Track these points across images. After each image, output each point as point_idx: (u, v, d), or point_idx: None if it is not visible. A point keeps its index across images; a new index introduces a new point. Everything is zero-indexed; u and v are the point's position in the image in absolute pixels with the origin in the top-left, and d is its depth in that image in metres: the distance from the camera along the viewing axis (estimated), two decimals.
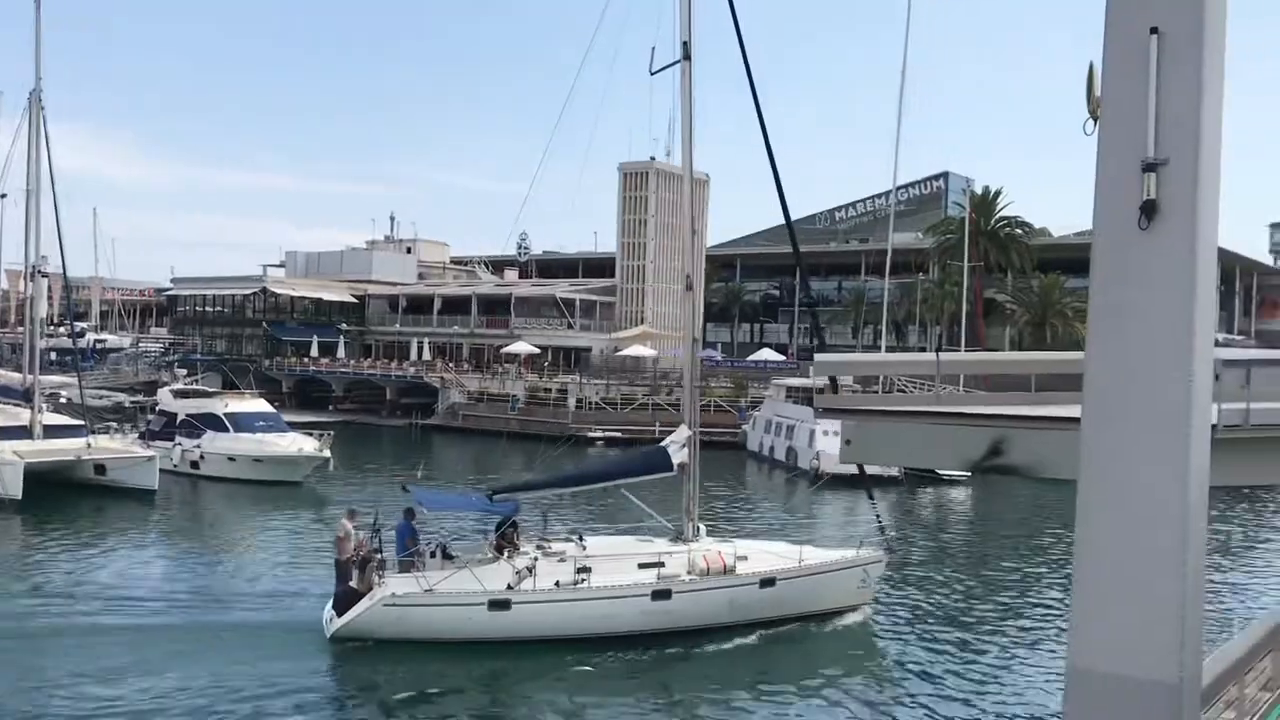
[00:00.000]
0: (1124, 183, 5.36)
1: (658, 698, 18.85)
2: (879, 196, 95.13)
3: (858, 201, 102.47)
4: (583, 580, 20.95)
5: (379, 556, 21.09)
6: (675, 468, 24.08)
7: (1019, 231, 77.95)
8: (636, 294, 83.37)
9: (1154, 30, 5.26)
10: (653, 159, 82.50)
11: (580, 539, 23.16)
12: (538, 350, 76.19)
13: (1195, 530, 5.39)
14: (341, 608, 20.53)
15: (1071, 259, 77.32)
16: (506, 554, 21.41)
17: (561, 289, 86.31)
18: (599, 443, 61.03)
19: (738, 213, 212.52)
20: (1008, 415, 19.61)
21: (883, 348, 70.36)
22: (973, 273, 71.17)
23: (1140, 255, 5.34)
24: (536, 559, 21.24)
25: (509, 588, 20.45)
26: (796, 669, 20.39)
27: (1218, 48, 5.31)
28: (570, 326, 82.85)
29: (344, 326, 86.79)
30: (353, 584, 20.84)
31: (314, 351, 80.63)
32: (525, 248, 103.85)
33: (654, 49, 25.19)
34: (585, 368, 74.37)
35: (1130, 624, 5.32)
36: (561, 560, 21.50)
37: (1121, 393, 5.41)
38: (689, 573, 21.84)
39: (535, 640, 20.39)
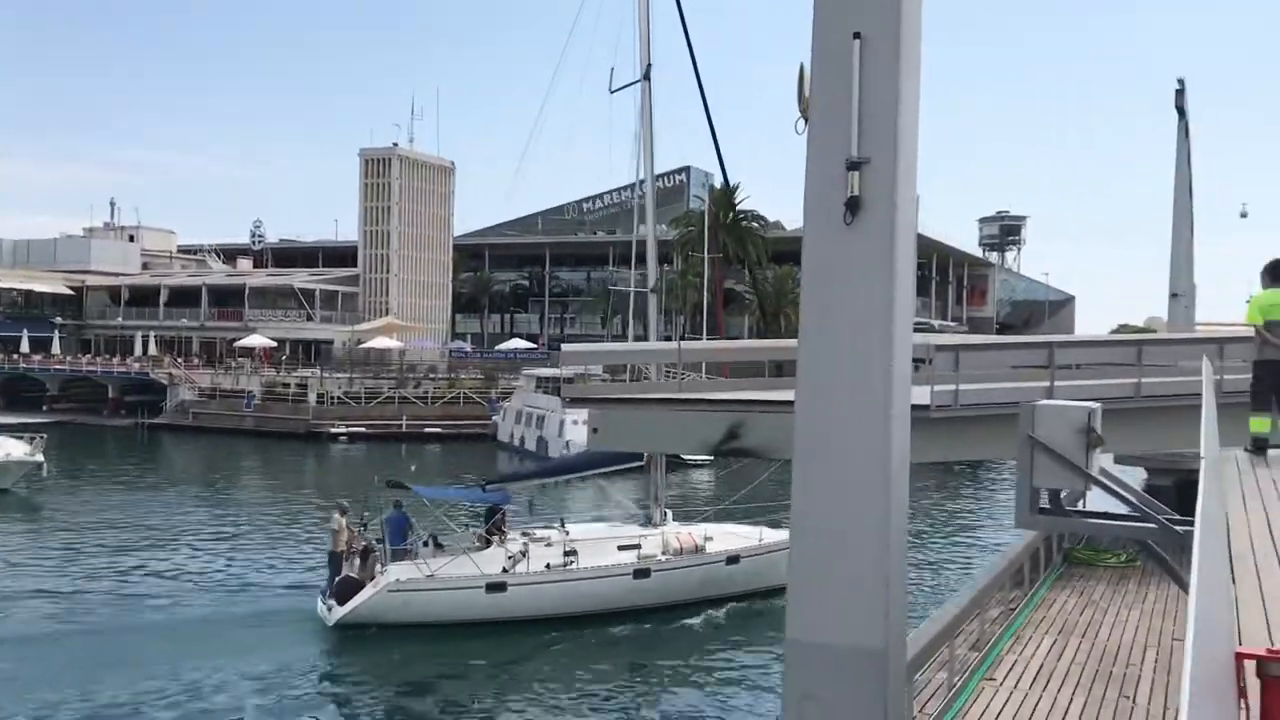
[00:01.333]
0: (830, 180, 5.66)
1: (643, 665, 20.69)
2: (625, 189, 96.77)
3: (606, 193, 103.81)
4: (571, 563, 22.66)
5: (380, 547, 22.22)
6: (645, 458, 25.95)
7: (755, 225, 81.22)
8: (381, 284, 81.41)
9: (856, 35, 5.57)
10: (395, 145, 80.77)
11: (563, 525, 24.81)
12: (274, 343, 73.12)
13: (897, 507, 5.77)
14: (343, 597, 21.29)
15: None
16: (497, 540, 22.93)
17: (300, 279, 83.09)
18: (342, 439, 59.26)
19: (486, 200, 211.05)
20: (743, 400, 20.47)
21: (630, 337, 71.64)
22: (713, 264, 73.61)
23: (845, 249, 5.66)
24: (528, 544, 22.75)
25: (504, 571, 22.01)
26: (762, 636, 21.76)
27: (914, 53, 5.67)
28: (310, 318, 79.93)
29: (59, 320, 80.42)
30: (352, 574, 21.75)
31: (24, 347, 74.31)
32: (260, 235, 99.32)
33: (613, 69, 26.53)
34: (327, 361, 71.97)
35: (839, 596, 5.64)
36: (549, 545, 23.10)
37: (830, 378, 5.72)
38: (664, 553, 23.72)
39: (529, 619, 21.75)
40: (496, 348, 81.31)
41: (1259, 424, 11.93)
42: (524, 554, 22.39)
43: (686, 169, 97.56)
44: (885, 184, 5.60)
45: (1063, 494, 8.31)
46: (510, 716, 17.98)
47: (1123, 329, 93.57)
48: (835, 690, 5.56)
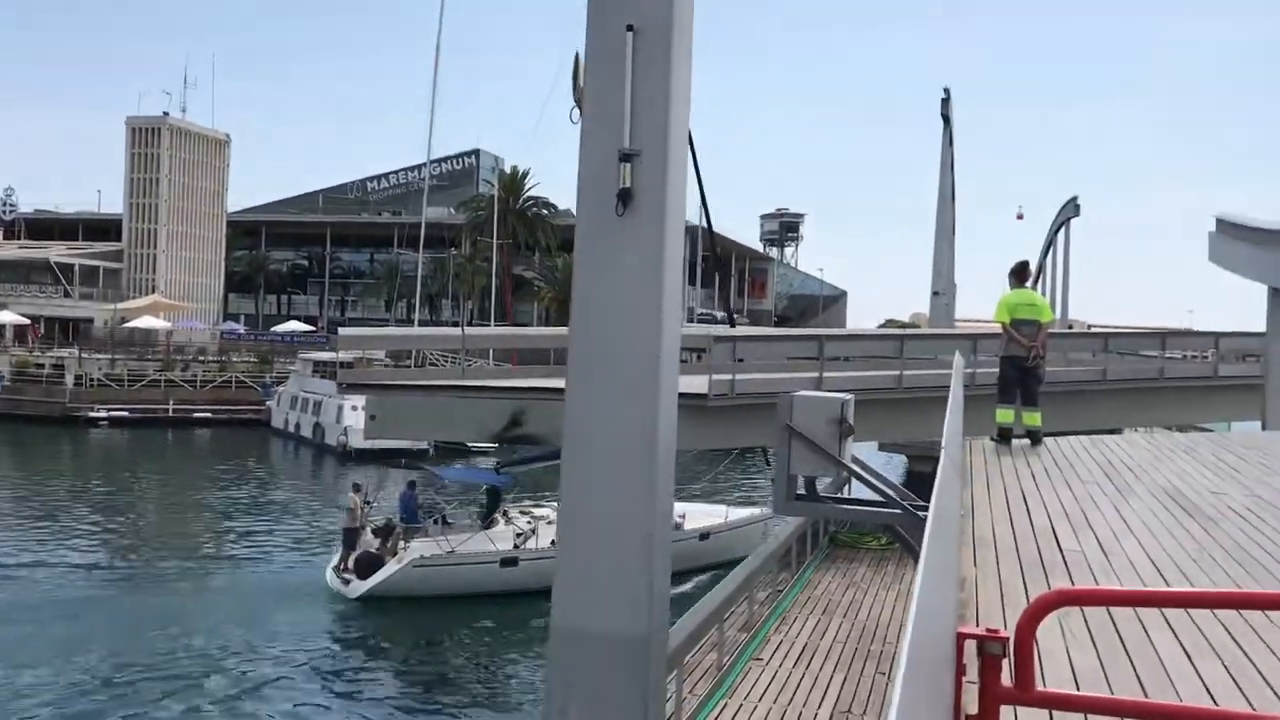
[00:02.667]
0: (603, 171, 5.67)
1: None
2: (413, 169, 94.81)
3: (391, 173, 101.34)
4: None
5: (400, 525, 24.08)
6: None
7: (545, 211, 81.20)
8: (147, 260, 76.86)
9: (630, 28, 5.60)
10: (165, 115, 76.47)
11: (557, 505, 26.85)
12: (28, 321, 67.93)
13: (662, 496, 5.86)
14: (364, 571, 22.85)
15: None
16: (503, 519, 25.01)
17: (57, 252, 77.49)
18: (102, 423, 55.70)
19: (264, 176, 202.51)
20: (526, 388, 20.44)
21: (416, 322, 70.59)
22: (502, 250, 73.20)
23: (616, 240, 5.69)
24: (535, 523, 24.80)
25: (515, 548, 24.13)
26: None
27: (686, 47, 5.74)
28: (68, 295, 74.66)
29: None
30: (371, 550, 23.43)
31: None
32: (11, 204, 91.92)
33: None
34: (86, 340, 67.39)
35: (603, 584, 5.68)
36: (549, 523, 24.46)
37: (599, 368, 5.74)
38: None
39: (537, 591, 23.28)
40: (272, 329, 78.24)
41: (1004, 415, 12.82)
42: (533, 531, 24.46)
43: (475, 152, 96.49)
44: (656, 177, 5.67)
45: (828, 481, 8.69)
46: (527, 673, 19.76)
47: (889, 324, 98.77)
48: (597, 678, 5.60)
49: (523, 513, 25.98)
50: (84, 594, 23.19)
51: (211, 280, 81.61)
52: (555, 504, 27.01)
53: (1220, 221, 22.11)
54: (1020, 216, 61.11)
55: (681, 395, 19.87)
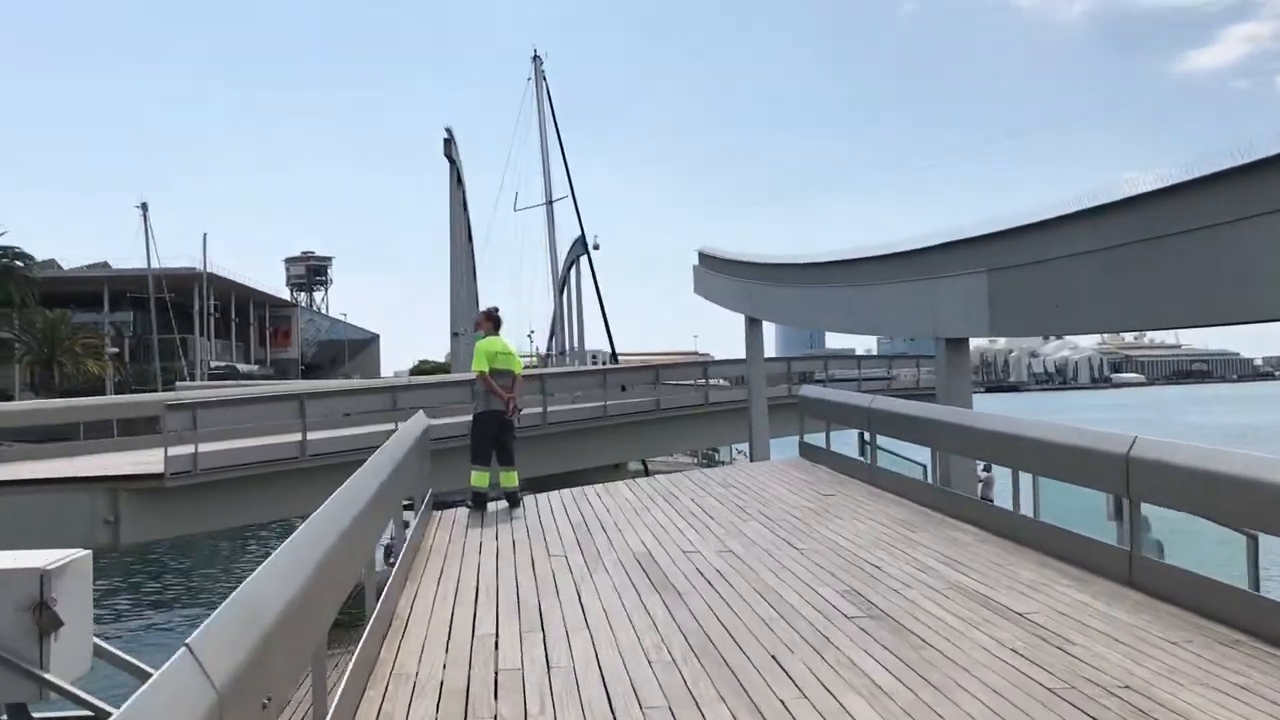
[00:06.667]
0: None
1: None
2: None
3: None
4: None
5: None
6: None
7: (19, 264, 71.22)
8: None
9: None
10: None
11: None
12: None
13: None
14: None
15: (84, 292, 73.55)
16: None
17: None
18: None
19: None
20: None
21: None
22: None
23: None
24: None
25: None
26: None
27: None
28: None
29: None
30: None
31: None
32: None
33: (517, 193, 25.33)
34: None
35: None
36: None
37: None
38: None
39: None
40: None
41: (479, 478, 11.37)
42: None
43: None
44: None
45: None
46: None
47: (423, 365, 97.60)
48: None
49: None
50: None
51: None
52: None
53: (701, 255, 22.61)
54: (596, 247, 62.63)
55: (132, 477, 16.60)
